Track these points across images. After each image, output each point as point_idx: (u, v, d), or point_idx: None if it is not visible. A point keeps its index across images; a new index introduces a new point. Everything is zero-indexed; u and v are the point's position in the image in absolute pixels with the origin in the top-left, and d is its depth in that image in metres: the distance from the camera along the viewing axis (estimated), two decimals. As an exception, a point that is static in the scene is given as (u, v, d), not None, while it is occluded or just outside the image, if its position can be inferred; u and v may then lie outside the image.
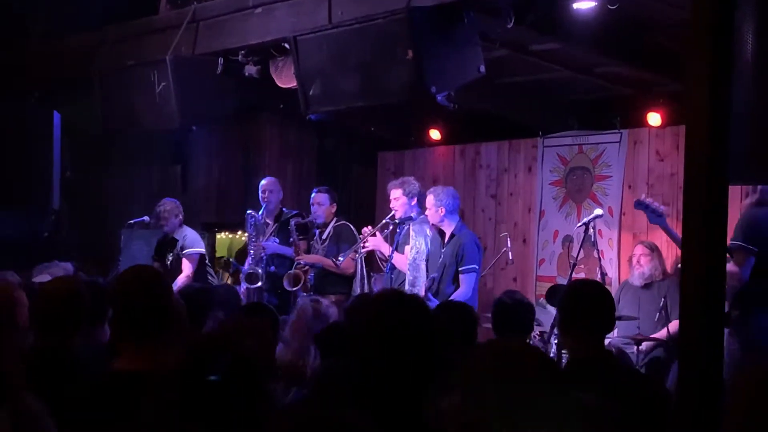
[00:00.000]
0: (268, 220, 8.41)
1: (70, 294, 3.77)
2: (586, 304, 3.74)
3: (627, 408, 3.08)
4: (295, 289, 7.97)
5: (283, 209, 8.53)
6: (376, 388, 2.76)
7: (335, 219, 8.26)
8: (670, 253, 7.66)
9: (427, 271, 7.47)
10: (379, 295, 3.59)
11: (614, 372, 3.71)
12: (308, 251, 8.24)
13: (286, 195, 8.81)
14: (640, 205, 6.35)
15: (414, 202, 7.63)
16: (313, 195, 8.31)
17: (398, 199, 7.58)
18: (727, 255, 5.61)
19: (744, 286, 5.70)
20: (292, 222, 8.20)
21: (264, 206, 8.39)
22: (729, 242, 5.66)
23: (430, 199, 7.36)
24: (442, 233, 7.44)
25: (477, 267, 7.24)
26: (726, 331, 5.70)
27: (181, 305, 4.25)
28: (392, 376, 2.76)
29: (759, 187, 5.84)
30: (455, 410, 1.85)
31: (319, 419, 1.82)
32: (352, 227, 8.16)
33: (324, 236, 8.21)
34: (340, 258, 7.75)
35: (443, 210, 7.28)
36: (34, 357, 3.53)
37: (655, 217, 6.25)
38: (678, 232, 7.43)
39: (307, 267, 8.07)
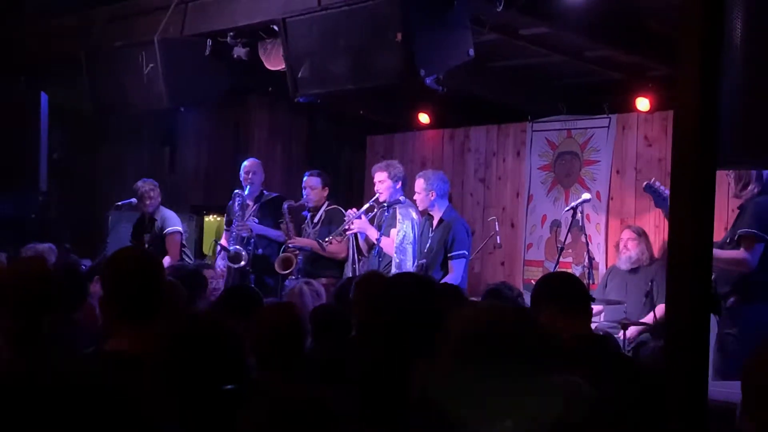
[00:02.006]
0: (248, 202, 8.39)
1: (37, 274, 3.75)
2: (558, 293, 3.75)
3: (619, 390, 3.09)
4: (286, 272, 7.97)
5: (264, 191, 8.52)
6: (375, 363, 2.78)
7: (327, 203, 8.25)
8: (658, 237, 7.70)
9: (414, 255, 7.47)
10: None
11: (606, 349, 3.73)
12: (299, 234, 8.23)
13: (275, 178, 8.78)
14: (649, 188, 6.42)
15: (399, 185, 7.63)
16: (305, 178, 8.29)
17: (383, 182, 7.57)
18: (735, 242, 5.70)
19: (748, 274, 5.73)
20: (285, 205, 8.19)
21: (247, 187, 8.35)
22: (740, 230, 5.75)
23: (420, 183, 7.34)
24: (430, 218, 7.44)
25: (467, 253, 7.22)
26: (715, 318, 5.75)
27: (179, 287, 4.27)
28: (395, 348, 2.77)
29: (765, 174, 5.86)
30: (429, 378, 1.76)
31: (297, 401, 1.81)
32: (343, 211, 8.15)
33: (315, 220, 8.21)
34: (327, 240, 7.75)
35: (434, 194, 7.26)
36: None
37: (661, 201, 6.31)
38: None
39: (297, 251, 8.06)
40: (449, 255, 7.11)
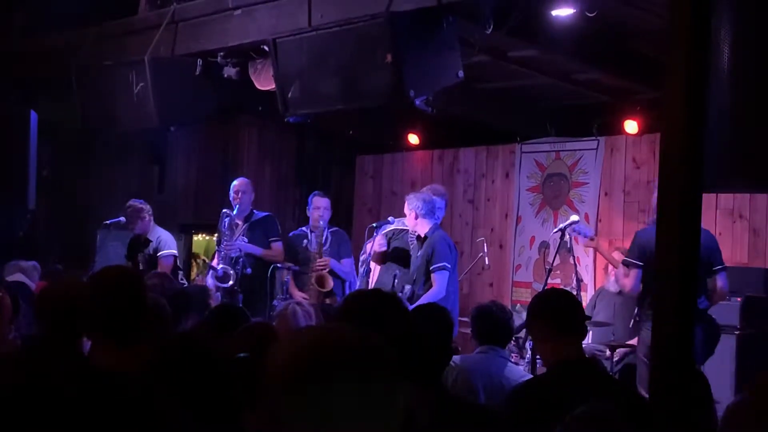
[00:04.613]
0: (237, 221, 8.34)
1: (82, 293, 3.75)
2: (553, 311, 3.73)
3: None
4: (324, 290, 7.85)
5: (254, 210, 8.49)
6: None
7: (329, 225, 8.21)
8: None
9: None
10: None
11: (595, 376, 3.71)
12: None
13: (264, 197, 8.76)
14: (573, 231, 6.73)
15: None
16: (313, 198, 8.14)
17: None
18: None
19: (639, 297, 6.09)
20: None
21: (236, 207, 8.30)
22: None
23: (405, 204, 7.37)
24: (419, 238, 7.44)
25: (448, 265, 7.09)
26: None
27: (164, 306, 4.26)
28: None
29: None
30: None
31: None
32: (343, 232, 8.15)
33: (323, 240, 8.09)
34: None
35: (414, 213, 7.25)
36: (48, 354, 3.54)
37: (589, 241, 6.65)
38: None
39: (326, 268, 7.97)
40: (430, 268, 7.07)
